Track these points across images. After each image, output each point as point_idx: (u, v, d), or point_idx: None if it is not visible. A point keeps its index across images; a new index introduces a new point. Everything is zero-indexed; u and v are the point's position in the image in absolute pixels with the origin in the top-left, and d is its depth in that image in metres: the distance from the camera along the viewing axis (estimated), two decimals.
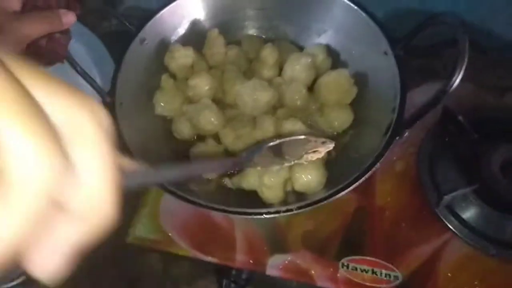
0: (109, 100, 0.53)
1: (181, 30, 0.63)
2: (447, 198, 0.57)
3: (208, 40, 0.63)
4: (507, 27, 0.75)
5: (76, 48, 0.70)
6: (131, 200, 0.64)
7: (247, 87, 0.58)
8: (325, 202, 0.45)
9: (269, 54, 0.62)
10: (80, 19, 0.69)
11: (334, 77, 0.59)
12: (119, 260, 0.63)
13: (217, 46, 0.63)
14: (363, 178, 0.46)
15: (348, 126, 0.59)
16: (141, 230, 0.62)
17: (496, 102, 0.70)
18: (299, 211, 0.45)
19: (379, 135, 0.50)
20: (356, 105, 0.59)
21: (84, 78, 0.51)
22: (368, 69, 0.59)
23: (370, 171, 0.47)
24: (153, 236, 0.61)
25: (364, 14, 0.58)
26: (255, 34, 0.68)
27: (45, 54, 0.46)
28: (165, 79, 0.59)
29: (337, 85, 0.59)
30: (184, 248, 0.60)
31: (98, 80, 0.67)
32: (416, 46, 0.70)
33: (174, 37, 0.63)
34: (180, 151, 0.59)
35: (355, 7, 0.58)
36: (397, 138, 0.49)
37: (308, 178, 0.52)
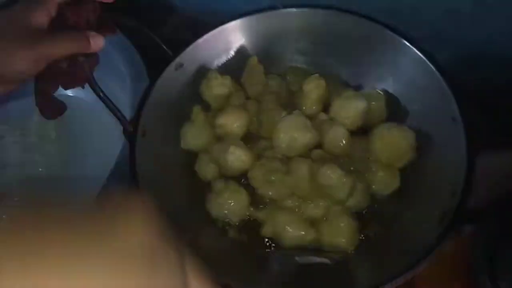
0: (131, 130, 0.48)
1: (222, 59, 0.57)
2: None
3: (247, 68, 0.57)
4: None
5: (115, 61, 0.67)
6: None
7: (286, 123, 0.51)
8: None
9: (314, 87, 0.54)
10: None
11: (394, 132, 0.51)
12: None
13: (256, 75, 0.57)
14: (401, 279, 0.38)
15: (391, 193, 0.50)
16: None
17: None
18: None
19: (431, 221, 0.42)
20: (407, 175, 0.50)
21: (107, 106, 0.46)
22: (428, 135, 0.50)
23: (413, 271, 0.38)
24: None
25: (434, 69, 0.49)
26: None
27: (64, 76, 0.43)
28: (196, 112, 0.54)
29: (395, 142, 0.50)
30: None
31: (130, 96, 0.63)
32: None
33: (213, 65, 0.57)
34: (199, 189, 0.53)
35: (425, 60, 0.49)
36: (453, 232, 0.40)
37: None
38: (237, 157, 0.51)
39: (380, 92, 0.55)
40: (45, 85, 0.42)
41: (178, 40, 0.53)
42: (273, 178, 0.51)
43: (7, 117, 0.76)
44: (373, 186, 0.50)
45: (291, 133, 0.51)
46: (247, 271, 0.45)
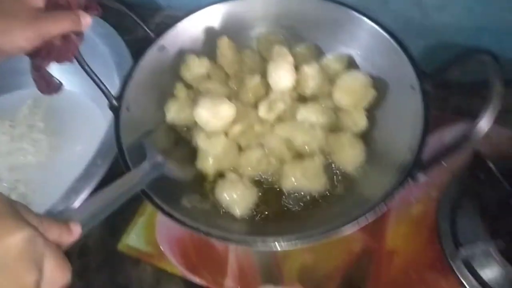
0: (116, 104, 0.52)
1: (201, 41, 0.62)
2: (465, 250, 0.51)
3: (220, 48, 0.61)
4: None
5: (101, 48, 0.71)
6: (132, 205, 0.63)
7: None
8: (320, 238, 0.41)
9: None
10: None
11: (349, 78, 0.56)
12: (112, 267, 0.61)
13: (230, 54, 0.61)
14: (364, 220, 0.42)
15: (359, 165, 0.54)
16: (134, 239, 0.60)
17: None
18: (290, 243, 0.41)
19: (392, 175, 0.46)
20: (372, 138, 0.55)
21: (92, 79, 0.50)
22: (392, 102, 0.55)
23: (373, 212, 0.42)
24: (145, 248, 0.59)
25: (394, 43, 0.53)
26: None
27: (57, 52, 0.46)
28: (179, 88, 0.58)
29: (353, 85, 0.55)
30: (174, 265, 0.57)
31: (116, 82, 0.66)
32: (456, 82, 0.66)
33: (193, 47, 0.61)
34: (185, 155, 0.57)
35: (385, 34, 0.54)
36: (410, 181, 0.44)
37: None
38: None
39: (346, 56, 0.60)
40: (39, 59, 0.46)
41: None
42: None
43: None
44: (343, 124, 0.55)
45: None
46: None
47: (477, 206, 0.57)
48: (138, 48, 0.59)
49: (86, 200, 0.37)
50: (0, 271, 0.23)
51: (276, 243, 0.42)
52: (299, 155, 0.54)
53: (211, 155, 0.53)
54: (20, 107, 0.81)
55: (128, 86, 0.54)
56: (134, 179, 0.44)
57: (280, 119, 0.55)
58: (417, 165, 0.45)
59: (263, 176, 0.54)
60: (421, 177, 0.44)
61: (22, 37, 0.41)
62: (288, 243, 0.42)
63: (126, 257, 0.61)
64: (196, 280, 0.56)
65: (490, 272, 0.53)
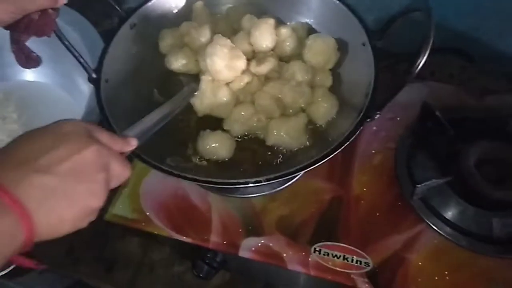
0: (95, 76, 0.55)
1: (169, 19, 0.66)
2: (420, 188, 0.58)
3: (194, 13, 0.65)
4: (496, 37, 0.78)
5: (71, 35, 0.73)
6: None
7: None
8: (292, 176, 0.47)
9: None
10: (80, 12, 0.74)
11: (319, 40, 0.60)
12: (99, 242, 0.64)
13: (204, 19, 0.65)
14: (330, 156, 0.47)
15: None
16: (120, 209, 0.63)
17: (475, 103, 0.72)
18: (268, 183, 0.46)
19: (353, 120, 0.52)
20: (335, 92, 0.61)
21: (71, 53, 0.53)
22: (347, 60, 0.61)
23: (337, 150, 0.48)
24: (132, 216, 0.62)
25: (344, 7, 0.60)
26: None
27: (35, 26, 0.49)
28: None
29: (321, 48, 0.60)
30: (161, 228, 0.61)
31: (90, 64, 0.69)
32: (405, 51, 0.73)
33: (163, 24, 0.65)
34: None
35: (337, 2, 0.61)
36: (368, 120, 0.50)
37: None
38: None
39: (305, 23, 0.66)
40: (19, 34, 0.48)
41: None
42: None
43: None
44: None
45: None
46: None
47: (429, 151, 0.64)
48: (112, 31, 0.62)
49: (140, 121, 0.45)
50: (81, 174, 0.32)
51: (256, 183, 0.46)
52: (285, 112, 0.58)
53: (209, 99, 0.57)
54: None
55: (105, 60, 0.57)
56: (175, 102, 0.54)
57: (267, 78, 0.59)
58: (372, 107, 0.51)
59: (248, 134, 0.59)
60: (376, 116, 0.50)
61: (2, 10, 0.44)
62: (266, 181, 0.46)
63: (113, 231, 0.63)
64: (183, 238, 0.60)
65: (443, 206, 0.60)
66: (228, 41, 0.57)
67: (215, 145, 0.54)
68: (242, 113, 0.56)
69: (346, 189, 0.63)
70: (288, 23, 0.67)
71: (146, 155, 0.50)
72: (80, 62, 0.54)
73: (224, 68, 0.55)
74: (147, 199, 0.63)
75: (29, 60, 0.51)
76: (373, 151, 0.67)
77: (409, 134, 0.68)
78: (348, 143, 0.49)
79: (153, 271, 0.62)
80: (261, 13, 0.66)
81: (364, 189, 0.63)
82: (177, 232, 0.60)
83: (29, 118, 0.80)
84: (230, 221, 0.60)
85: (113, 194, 0.64)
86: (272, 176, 0.47)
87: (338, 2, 0.61)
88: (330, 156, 0.47)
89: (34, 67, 0.53)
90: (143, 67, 0.63)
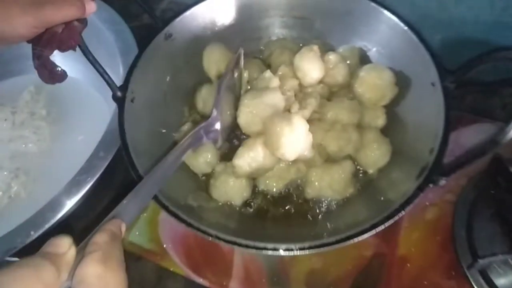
0: (120, 95, 0.49)
1: (210, 29, 0.59)
2: (483, 262, 0.49)
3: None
4: None
5: (106, 35, 0.68)
6: None
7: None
8: (332, 247, 0.39)
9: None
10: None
11: (373, 73, 0.52)
12: None
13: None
14: (381, 227, 0.39)
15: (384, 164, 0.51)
16: (136, 236, 0.58)
17: None
18: (301, 252, 0.39)
19: (411, 178, 0.43)
20: (390, 137, 0.52)
21: (96, 69, 0.47)
22: (410, 100, 0.52)
23: (391, 219, 0.40)
24: (147, 246, 0.57)
25: (415, 37, 0.50)
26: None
27: (59, 40, 0.44)
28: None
29: (375, 82, 0.52)
30: (178, 265, 0.55)
31: (121, 70, 0.64)
32: (473, 81, 0.63)
33: (202, 35, 0.58)
34: None
35: (405, 28, 0.51)
36: (430, 185, 0.41)
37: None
38: None
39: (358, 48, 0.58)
40: (42, 48, 0.43)
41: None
42: None
43: None
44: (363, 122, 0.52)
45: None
46: None
47: (496, 212, 0.54)
48: (143, 35, 0.56)
49: (161, 162, 0.39)
50: None
51: (287, 250, 0.39)
52: (328, 160, 0.51)
53: (259, 163, 0.48)
54: (22, 93, 0.78)
55: (133, 76, 0.51)
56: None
57: (309, 120, 0.51)
58: (438, 168, 0.42)
59: (290, 188, 0.51)
60: (442, 182, 0.41)
61: (22, 24, 0.39)
62: (300, 250, 0.39)
63: (130, 255, 0.59)
64: (200, 281, 0.54)
65: (506, 283, 0.50)
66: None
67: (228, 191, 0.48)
68: (280, 164, 0.49)
69: (391, 246, 0.54)
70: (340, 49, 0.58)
71: (164, 192, 0.44)
72: (104, 79, 0.48)
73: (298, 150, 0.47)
74: (167, 229, 0.57)
75: (53, 75, 0.46)
76: (427, 203, 0.57)
77: (473, 187, 0.58)
78: (402, 213, 0.40)
79: None
80: (309, 32, 0.58)
81: (412, 249, 0.54)
82: (194, 271, 0.54)
83: (58, 116, 0.76)
84: (254, 268, 0.54)
85: None
86: (306, 245, 0.39)
87: (406, 28, 0.51)
88: (377, 229, 0.39)
89: (59, 82, 0.48)
90: (175, 84, 0.56)
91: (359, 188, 0.50)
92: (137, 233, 0.58)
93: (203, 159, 0.51)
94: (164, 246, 0.56)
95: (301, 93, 0.53)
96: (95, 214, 0.61)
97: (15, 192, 0.67)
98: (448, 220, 0.56)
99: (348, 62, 0.55)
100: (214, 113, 0.47)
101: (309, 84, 0.53)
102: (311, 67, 0.51)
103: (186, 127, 0.53)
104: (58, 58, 0.50)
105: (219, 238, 0.40)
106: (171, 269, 0.55)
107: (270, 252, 0.39)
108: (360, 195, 0.49)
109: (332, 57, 0.53)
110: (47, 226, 0.52)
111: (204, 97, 0.56)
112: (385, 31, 0.54)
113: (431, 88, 0.48)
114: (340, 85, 0.55)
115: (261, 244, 0.39)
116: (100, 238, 0.31)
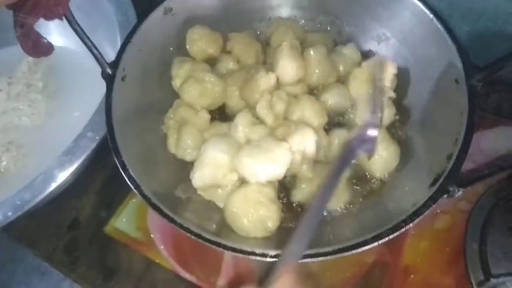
0: (110, 72, 0.45)
1: (213, 8, 0.54)
2: (496, 281, 0.44)
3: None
4: None
5: (106, 6, 0.64)
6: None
7: None
8: (326, 257, 0.35)
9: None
10: None
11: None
12: (101, 245, 0.56)
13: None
14: (384, 239, 0.35)
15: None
16: (123, 223, 0.54)
17: None
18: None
19: (423, 186, 0.38)
20: (402, 138, 0.47)
21: (83, 41, 0.43)
22: (428, 97, 0.46)
23: (396, 232, 0.35)
24: (135, 234, 0.54)
25: (441, 28, 0.45)
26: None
27: (44, 7, 0.39)
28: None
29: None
30: (164, 257, 0.52)
31: (118, 45, 0.59)
32: (501, 79, 0.57)
33: (203, 14, 0.53)
34: None
35: (431, 16, 0.45)
36: (444, 196, 0.36)
37: None
38: None
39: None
40: (25, 15, 0.39)
41: None
42: None
43: None
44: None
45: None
46: None
47: None
48: (145, 8, 0.51)
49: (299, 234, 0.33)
50: None
51: (276, 257, 0.35)
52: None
53: None
54: (20, 64, 0.75)
55: (126, 52, 0.47)
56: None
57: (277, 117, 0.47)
58: (454, 177, 0.37)
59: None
60: (458, 193, 0.37)
61: None
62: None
63: (113, 239, 0.56)
64: (186, 276, 0.50)
65: None
66: None
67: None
68: None
69: (394, 254, 0.50)
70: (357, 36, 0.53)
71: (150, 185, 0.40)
72: (93, 54, 0.44)
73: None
74: (155, 218, 0.54)
75: (37, 47, 0.42)
76: (438, 211, 0.52)
77: (491, 196, 0.52)
78: (409, 226, 0.36)
79: None
80: (324, 15, 0.53)
81: (418, 260, 0.50)
82: (181, 266, 0.51)
83: (55, 90, 0.73)
84: (245, 267, 0.50)
85: (118, 203, 0.56)
86: (313, 253, 0.35)
87: (432, 16, 0.46)
88: (380, 241, 0.35)
89: (44, 55, 0.44)
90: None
91: (365, 194, 0.45)
92: (124, 220, 0.54)
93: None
94: (152, 236, 0.53)
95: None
96: (88, 195, 0.59)
97: (4, 166, 0.64)
98: (460, 231, 0.51)
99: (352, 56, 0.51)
100: (369, 117, 0.39)
101: (287, 83, 0.48)
102: (287, 64, 0.47)
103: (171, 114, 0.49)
104: (59, 28, 0.46)
105: (202, 238, 0.36)
106: (157, 262, 0.52)
107: (258, 258, 0.35)
108: (365, 202, 0.45)
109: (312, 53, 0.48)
110: (35, 201, 0.49)
111: (182, 75, 0.51)
112: (407, 18, 0.48)
113: (454, 86, 0.42)
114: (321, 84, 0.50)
115: (248, 248, 0.35)
116: None
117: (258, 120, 0.46)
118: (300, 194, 0.45)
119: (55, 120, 0.69)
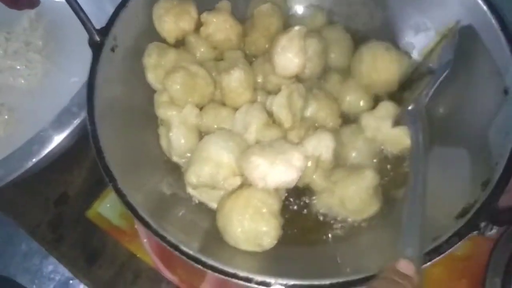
0: (98, 40, 0.39)
1: None
2: None
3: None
4: None
5: None
6: None
7: None
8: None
9: None
10: None
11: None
12: (89, 224, 0.52)
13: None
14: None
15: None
16: (107, 209, 0.50)
17: None
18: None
19: (448, 216, 0.32)
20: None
21: (71, 6, 0.37)
22: (466, 107, 0.39)
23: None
24: (116, 222, 0.49)
25: (494, 23, 0.37)
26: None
27: None
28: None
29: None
30: (147, 252, 0.47)
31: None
32: None
33: None
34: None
35: (484, 8, 0.38)
36: (474, 233, 0.30)
37: None
38: None
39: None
40: None
41: None
42: None
43: None
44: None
45: None
46: None
47: None
48: None
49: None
50: None
51: (262, 285, 0.30)
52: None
53: None
54: (20, 19, 0.70)
55: (119, 19, 0.40)
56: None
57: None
58: (489, 211, 0.30)
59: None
60: (491, 232, 0.30)
61: None
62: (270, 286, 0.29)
63: (93, 224, 0.51)
64: (167, 275, 0.46)
65: None
66: None
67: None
68: None
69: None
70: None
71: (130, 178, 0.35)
72: (80, 18, 0.38)
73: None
74: None
75: None
76: None
77: None
78: (427, 264, 0.29)
79: (137, 280, 0.49)
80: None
81: None
82: (164, 265, 0.46)
83: (54, 51, 0.67)
84: None
85: (104, 187, 0.51)
86: (290, 282, 0.29)
87: (486, 9, 0.38)
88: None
89: (30, 8, 0.38)
90: None
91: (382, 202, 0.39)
92: (108, 205, 0.50)
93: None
94: (136, 226, 0.48)
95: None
96: (79, 169, 0.55)
97: None
98: (481, 261, 0.45)
99: None
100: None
101: (284, 76, 0.41)
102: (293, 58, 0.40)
103: (164, 98, 0.42)
104: None
105: (181, 252, 0.31)
106: (138, 256, 0.47)
107: (241, 282, 0.30)
108: (383, 212, 0.38)
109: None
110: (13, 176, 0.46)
111: (166, 65, 0.43)
112: (454, 8, 0.40)
113: (502, 97, 0.35)
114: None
115: (231, 271, 0.30)
116: None
117: (271, 119, 0.39)
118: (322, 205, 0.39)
119: (51, 84, 0.64)
